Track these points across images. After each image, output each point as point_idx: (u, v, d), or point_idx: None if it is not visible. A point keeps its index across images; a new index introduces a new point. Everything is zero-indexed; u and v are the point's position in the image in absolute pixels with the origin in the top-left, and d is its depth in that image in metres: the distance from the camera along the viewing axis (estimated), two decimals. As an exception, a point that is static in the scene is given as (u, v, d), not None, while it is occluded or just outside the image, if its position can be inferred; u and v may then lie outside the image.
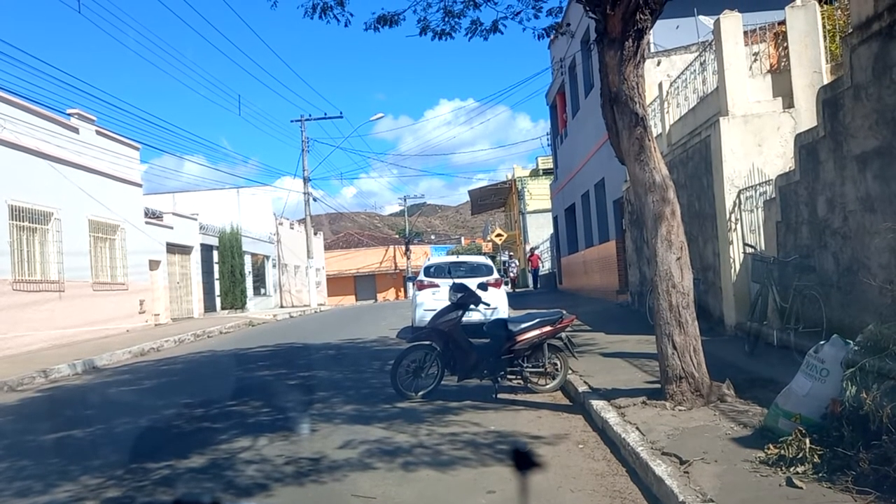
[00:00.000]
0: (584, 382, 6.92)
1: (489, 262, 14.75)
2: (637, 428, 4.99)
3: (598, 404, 5.89)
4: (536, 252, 33.56)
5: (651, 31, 6.64)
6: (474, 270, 13.36)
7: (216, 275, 27.66)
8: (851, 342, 4.27)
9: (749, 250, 8.64)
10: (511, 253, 39.97)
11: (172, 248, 23.36)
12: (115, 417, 7.30)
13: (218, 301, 27.59)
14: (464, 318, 7.38)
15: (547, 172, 36.62)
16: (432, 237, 76.60)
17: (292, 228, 37.67)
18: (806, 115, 8.60)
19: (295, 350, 12.90)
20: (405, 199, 57.44)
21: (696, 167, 10.42)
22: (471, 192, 44.70)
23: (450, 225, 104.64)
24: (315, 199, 35.26)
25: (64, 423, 7.35)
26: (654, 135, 7.45)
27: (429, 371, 7.29)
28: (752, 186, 9.03)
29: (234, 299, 27.97)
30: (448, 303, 7.53)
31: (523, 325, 7.11)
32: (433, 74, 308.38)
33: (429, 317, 8.44)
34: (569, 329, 7.47)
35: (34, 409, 8.67)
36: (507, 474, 4.34)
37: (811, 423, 4.11)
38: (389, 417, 6.42)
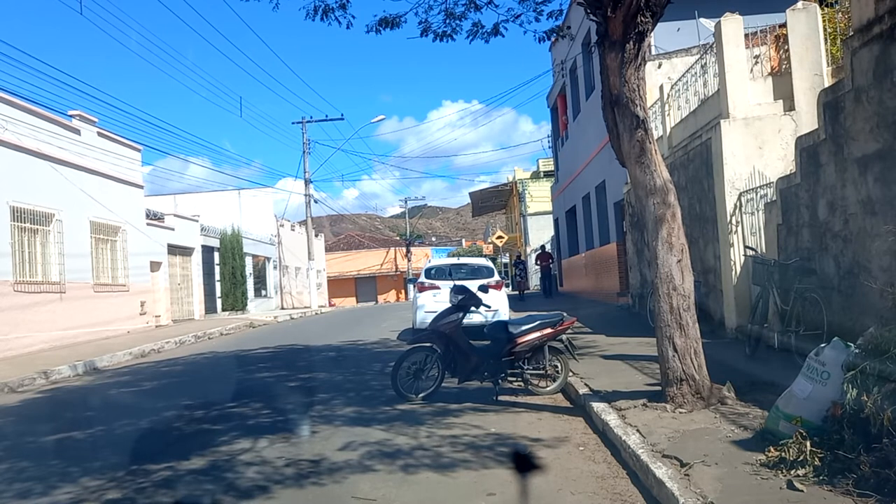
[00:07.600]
0: (585, 385, 6.91)
1: (490, 263, 14.77)
2: (638, 430, 4.99)
3: (598, 406, 5.89)
4: (547, 250, 29.06)
5: (652, 34, 6.65)
6: (475, 272, 13.38)
7: (217, 276, 27.68)
8: (852, 345, 4.27)
9: (750, 253, 8.63)
10: (519, 252, 39.18)
11: (173, 250, 23.38)
12: (115, 419, 7.31)
13: (219, 302, 27.61)
14: (464, 320, 7.37)
15: (548, 175, 36.57)
16: (433, 239, 76.66)
17: (293, 230, 37.71)
18: (807, 117, 8.61)
19: (295, 352, 12.90)
20: (406, 201, 57.50)
21: (696, 170, 10.43)
22: (472, 195, 44.70)
23: (451, 227, 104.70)
24: (316, 201, 35.35)
25: (64, 425, 7.34)
26: (655, 137, 7.46)
27: (429, 373, 7.29)
28: (752, 189, 9.03)
29: (235, 301, 27.99)
30: (449, 305, 7.53)
31: (524, 328, 7.09)
32: (438, 77, 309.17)
33: (429, 319, 8.44)
34: (569, 331, 7.47)
35: (35, 410, 8.67)
36: (508, 476, 4.34)
37: (812, 426, 4.10)
38: (390, 419, 6.42)
